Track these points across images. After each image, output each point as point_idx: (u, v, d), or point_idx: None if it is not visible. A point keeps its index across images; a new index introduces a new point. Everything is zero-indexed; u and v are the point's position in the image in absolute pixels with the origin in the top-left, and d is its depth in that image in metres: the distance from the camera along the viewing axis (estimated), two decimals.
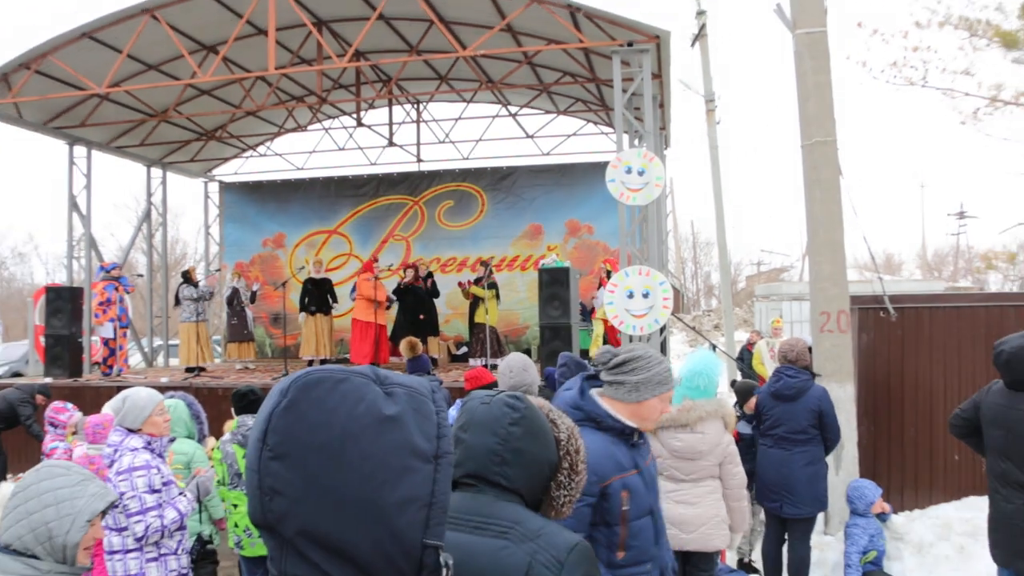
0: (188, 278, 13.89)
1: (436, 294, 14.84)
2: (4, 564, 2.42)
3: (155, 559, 4.40)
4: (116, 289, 13.30)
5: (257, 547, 5.77)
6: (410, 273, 14.63)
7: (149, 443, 4.57)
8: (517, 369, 5.07)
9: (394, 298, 14.19)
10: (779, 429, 6.44)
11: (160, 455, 4.62)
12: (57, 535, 2.45)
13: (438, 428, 1.20)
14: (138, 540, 4.31)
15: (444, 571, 1.18)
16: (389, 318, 14.48)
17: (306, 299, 14.23)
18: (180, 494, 4.66)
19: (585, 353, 13.23)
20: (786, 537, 6.62)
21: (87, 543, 2.54)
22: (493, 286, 13.72)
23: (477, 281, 13.90)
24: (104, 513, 2.63)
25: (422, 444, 1.17)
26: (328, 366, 1.20)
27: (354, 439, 1.12)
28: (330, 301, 14.40)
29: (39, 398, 10.05)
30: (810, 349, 7.32)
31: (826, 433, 6.39)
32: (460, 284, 15.03)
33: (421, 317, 14.19)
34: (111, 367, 13.24)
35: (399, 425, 1.15)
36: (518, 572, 1.69)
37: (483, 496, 1.83)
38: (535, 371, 5.26)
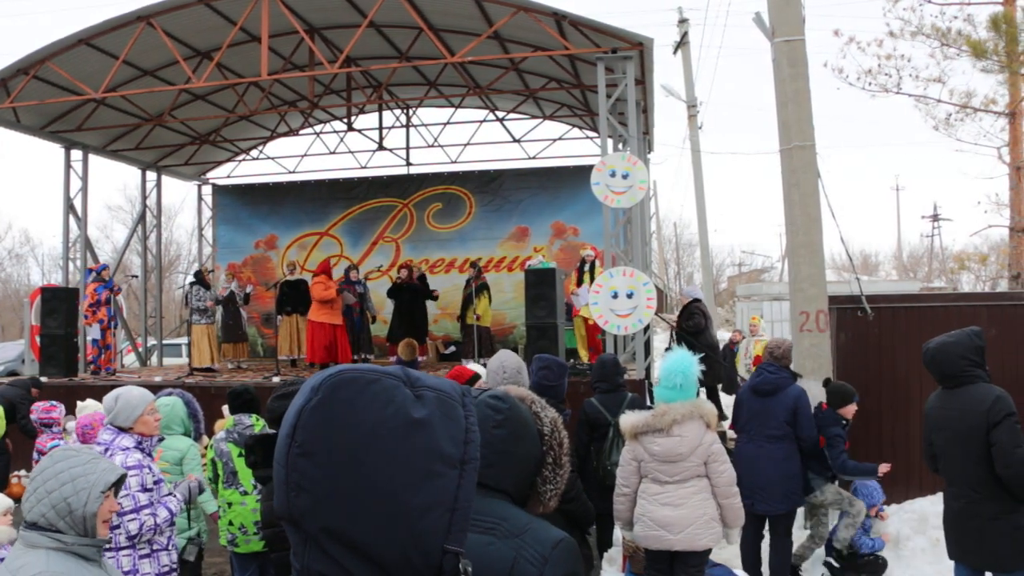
0: (201, 279, 14.03)
1: (429, 295, 14.95)
2: (33, 539, 2.64)
3: (148, 555, 4.44)
4: (107, 290, 13.51)
5: (252, 544, 5.72)
6: (404, 272, 14.78)
7: (140, 442, 4.57)
8: (511, 371, 4.76)
9: (349, 297, 14.10)
10: (754, 424, 6.48)
11: (149, 454, 4.63)
12: (76, 508, 2.67)
13: (466, 433, 1.20)
14: (131, 538, 4.36)
15: None
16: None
17: (282, 301, 14.34)
18: (169, 494, 4.70)
19: (572, 352, 13.43)
20: (765, 533, 6.66)
21: (104, 515, 2.76)
22: (484, 287, 13.90)
23: (468, 284, 14.03)
24: (116, 487, 2.86)
25: (449, 449, 1.17)
26: (360, 365, 1.21)
27: (381, 441, 1.13)
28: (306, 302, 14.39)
29: (34, 391, 10.15)
30: None
31: (800, 432, 6.36)
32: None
33: (421, 316, 14.37)
34: (100, 367, 13.47)
35: (427, 429, 1.16)
36: (503, 567, 1.68)
37: None
38: (527, 373, 5.02)
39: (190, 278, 14.74)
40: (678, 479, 4.91)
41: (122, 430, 4.56)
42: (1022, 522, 4.69)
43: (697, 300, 13.10)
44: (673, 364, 5.09)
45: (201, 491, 5.31)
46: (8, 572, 2.57)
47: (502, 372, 4.77)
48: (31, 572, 2.53)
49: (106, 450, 4.42)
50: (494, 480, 1.84)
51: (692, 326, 12.39)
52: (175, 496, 4.72)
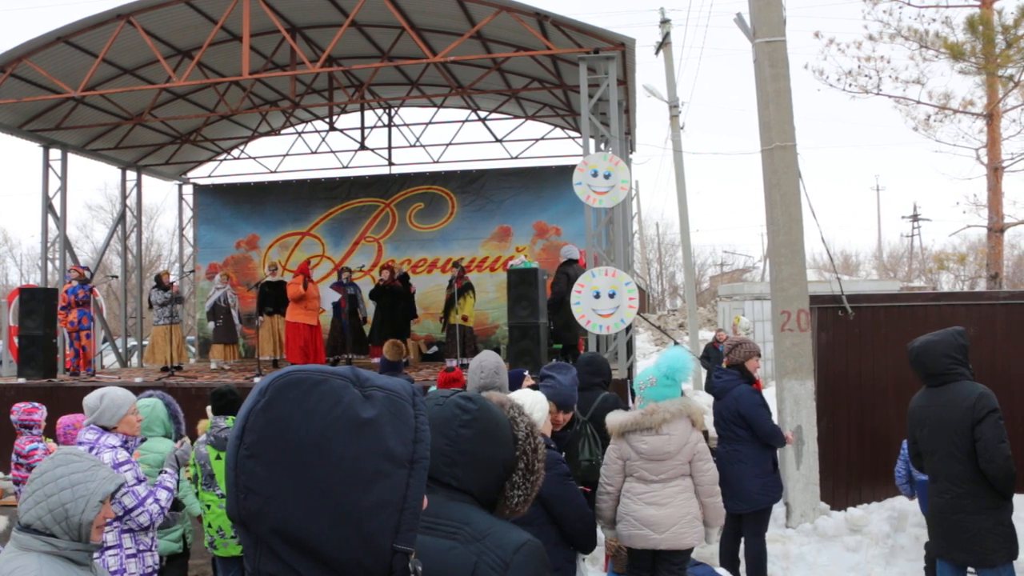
0: (160, 282, 14.00)
1: (409, 299, 14.92)
2: (27, 542, 2.66)
3: (134, 555, 4.44)
4: (82, 290, 13.49)
5: (230, 547, 5.76)
6: (386, 274, 14.77)
7: (125, 442, 4.60)
8: (488, 371, 4.84)
9: (336, 297, 14.07)
10: (718, 427, 6.59)
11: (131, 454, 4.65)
12: (73, 515, 2.70)
13: (416, 432, 1.20)
14: (144, 529, 4.42)
15: None
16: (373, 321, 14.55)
17: (263, 302, 14.31)
18: (162, 472, 4.80)
19: (557, 353, 13.48)
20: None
21: (99, 522, 2.80)
22: (469, 287, 13.90)
23: (451, 284, 14.03)
24: (113, 495, 2.87)
25: (397, 448, 1.17)
26: (309, 366, 1.21)
27: (328, 441, 1.12)
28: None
29: None
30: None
31: (756, 433, 6.34)
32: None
33: (403, 317, 14.37)
34: (78, 369, 13.46)
35: (374, 429, 1.16)
36: (464, 573, 1.67)
37: (435, 496, 1.77)
38: (506, 374, 5.08)
39: (151, 281, 14.69)
40: (663, 478, 4.93)
41: (106, 429, 4.58)
42: (1005, 517, 4.78)
43: (571, 261, 11.91)
44: (676, 361, 5.12)
45: (186, 460, 5.35)
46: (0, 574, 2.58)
47: (480, 372, 4.84)
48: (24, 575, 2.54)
49: (91, 448, 4.43)
50: (457, 480, 1.84)
51: (554, 294, 11.55)
52: (167, 472, 4.79)
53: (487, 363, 4.92)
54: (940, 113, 12.21)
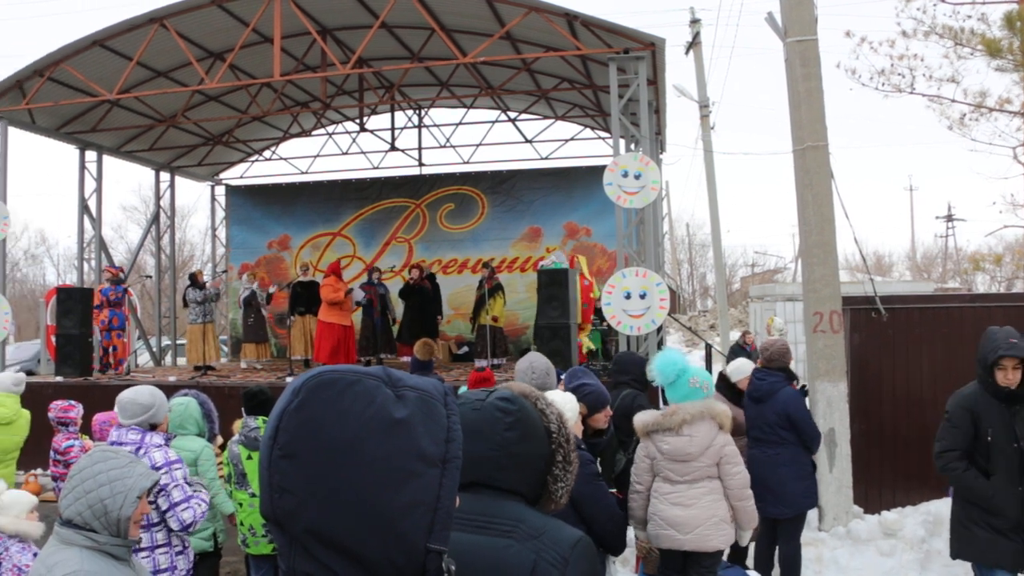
0: (194, 280, 14.15)
1: (438, 296, 14.96)
2: (68, 537, 2.73)
3: (181, 552, 4.56)
4: (113, 292, 13.72)
5: (261, 546, 5.80)
6: (415, 273, 14.82)
7: (167, 440, 4.73)
8: (540, 372, 4.83)
9: (357, 292, 14.09)
10: (754, 430, 6.46)
11: None
12: (112, 510, 2.76)
13: (448, 432, 1.21)
14: (185, 527, 4.46)
15: None
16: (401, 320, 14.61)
17: (295, 302, 14.40)
18: (196, 488, 4.80)
19: (594, 353, 13.48)
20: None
21: (136, 517, 2.85)
22: (499, 288, 13.90)
23: (481, 284, 14.05)
24: (149, 491, 2.93)
25: (429, 448, 1.17)
26: (341, 366, 1.22)
27: (361, 442, 1.13)
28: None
29: None
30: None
31: (800, 435, 6.30)
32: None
33: (432, 317, 14.44)
34: (104, 367, 13.74)
35: (407, 429, 1.16)
36: (524, 570, 1.68)
37: (483, 496, 1.79)
38: (555, 376, 5.07)
39: (186, 280, 14.86)
40: (689, 479, 4.90)
41: (151, 429, 4.68)
42: None
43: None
44: (658, 364, 5.12)
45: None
46: (44, 567, 2.65)
47: (531, 373, 4.83)
48: (66, 569, 2.60)
49: (138, 448, 4.51)
50: (507, 483, 1.84)
51: None
52: (200, 483, 4.86)
53: (538, 365, 4.91)
54: (976, 111, 12.02)
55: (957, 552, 5.02)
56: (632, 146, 12.55)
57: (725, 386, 7.08)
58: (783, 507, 6.27)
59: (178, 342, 18.86)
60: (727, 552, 6.12)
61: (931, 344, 8.38)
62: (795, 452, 6.33)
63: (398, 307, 14.86)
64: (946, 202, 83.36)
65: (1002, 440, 4.69)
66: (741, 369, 6.99)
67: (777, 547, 6.57)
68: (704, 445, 4.87)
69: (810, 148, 8.06)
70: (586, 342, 12.59)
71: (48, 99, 13.32)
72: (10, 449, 7.22)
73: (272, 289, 15.93)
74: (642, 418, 5.11)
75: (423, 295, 14.52)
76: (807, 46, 8.14)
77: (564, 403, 3.93)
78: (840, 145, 40.34)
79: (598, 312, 13.15)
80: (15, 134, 13.89)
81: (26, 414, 7.44)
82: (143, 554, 4.40)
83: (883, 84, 12.17)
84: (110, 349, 13.85)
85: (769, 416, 6.33)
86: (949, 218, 52.11)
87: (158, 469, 4.40)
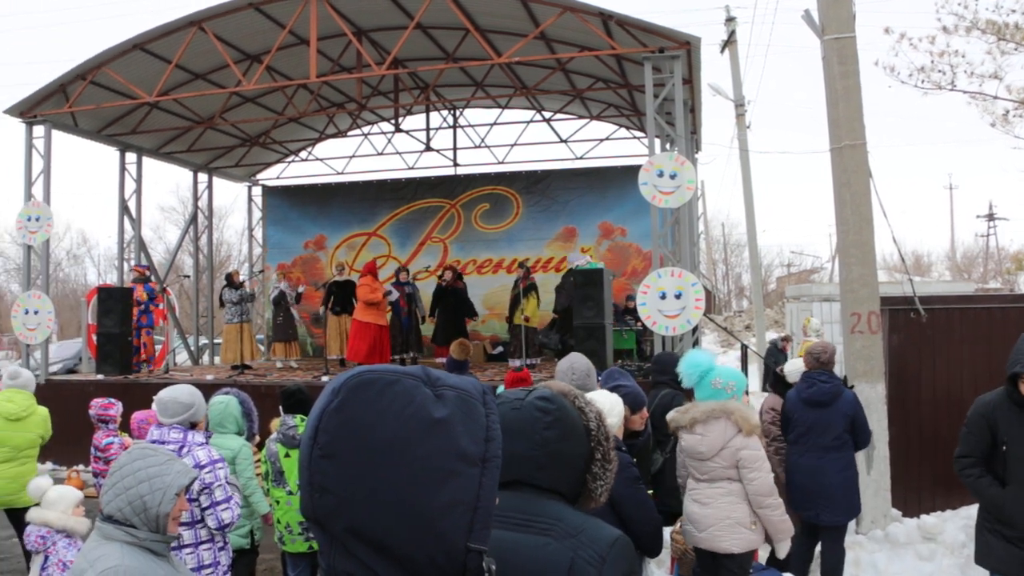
0: (231, 281, 14.31)
1: (468, 304, 14.97)
2: (109, 532, 2.79)
3: (223, 547, 4.63)
4: (145, 293, 13.96)
5: (297, 544, 5.85)
6: (448, 274, 14.85)
7: (208, 438, 4.83)
8: (580, 373, 4.81)
9: (393, 293, 14.17)
10: (811, 436, 6.31)
11: None
12: (151, 507, 2.81)
13: (487, 431, 1.21)
14: (224, 527, 4.51)
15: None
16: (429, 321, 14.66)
17: (331, 300, 14.49)
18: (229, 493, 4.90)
19: (625, 353, 13.44)
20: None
21: (175, 514, 2.91)
22: (533, 287, 13.92)
23: (516, 284, 14.05)
24: (188, 488, 2.98)
25: (469, 448, 1.17)
26: (380, 366, 1.22)
27: (402, 442, 1.13)
28: (353, 303, 14.50)
29: None
30: None
31: (857, 437, 6.31)
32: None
33: (462, 318, 14.48)
34: (137, 364, 14.00)
35: (447, 428, 1.16)
36: (561, 568, 1.68)
37: (523, 494, 1.79)
38: (595, 375, 5.03)
39: (222, 280, 15.04)
40: (707, 478, 4.88)
41: (192, 427, 4.72)
42: None
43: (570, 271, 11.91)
44: (684, 366, 5.13)
45: None
46: (86, 562, 2.70)
47: (571, 374, 4.81)
48: (107, 564, 2.65)
49: (182, 447, 4.55)
50: (547, 482, 1.83)
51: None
52: (237, 491, 4.87)
53: (579, 366, 4.89)
54: (1020, 108, 11.84)
55: (978, 559, 4.94)
56: (667, 145, 12.50)
57: (782, 386, 7.04)
58: (840, 515, 6.24)
59: (216, 341, 19.07)
60: (764, 557, 6.09)
61: (972, 345, 8.23)
62: (850, 458, 6.32)
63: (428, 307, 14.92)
64: (987, 201, 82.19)
65: (1018, 450, 4.60)
66: (801, 370, 6.89)
67: (820, 551, 6.50)
68: (716, 445, 4.80)
69: (848, 146, 7.97)
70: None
71: (90, 102, 13.54)
72: (24, 446, 7.16)
73: (302, 288, 16.07)
74: (671, 414, 5.15)
75: (457, 296, 14.55)
76: (845, 43, 8.04)
77: (611, 406, 3.93)
78: (878, 143, 39.89)
79: (633, 312, 13.14)
80: (58, 136, 14.15)
81: (42, 411, 7.38)
82: (187, 550, 4.46)
83: (923, 81, 12.03)
84: (140, 347, 14.10)
85: (836, 420, 6.25)
86: (991, 217, 51.31)
87: (202, 468, 4.44)
